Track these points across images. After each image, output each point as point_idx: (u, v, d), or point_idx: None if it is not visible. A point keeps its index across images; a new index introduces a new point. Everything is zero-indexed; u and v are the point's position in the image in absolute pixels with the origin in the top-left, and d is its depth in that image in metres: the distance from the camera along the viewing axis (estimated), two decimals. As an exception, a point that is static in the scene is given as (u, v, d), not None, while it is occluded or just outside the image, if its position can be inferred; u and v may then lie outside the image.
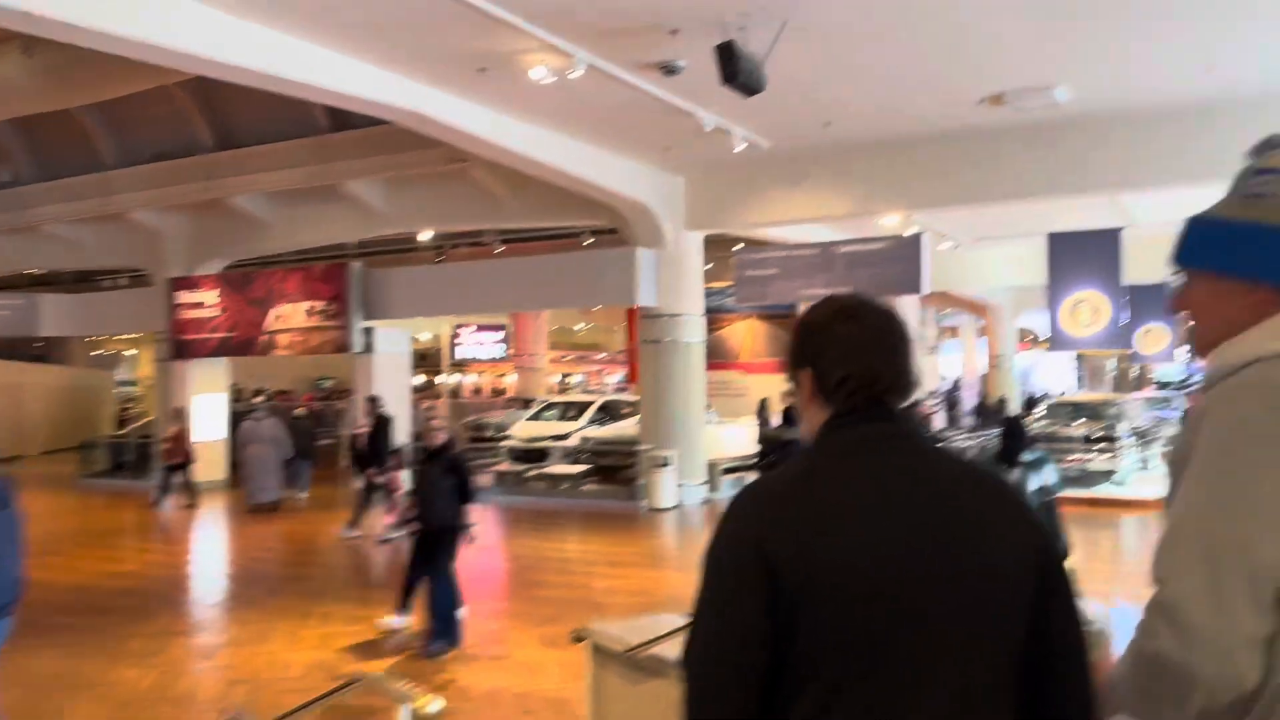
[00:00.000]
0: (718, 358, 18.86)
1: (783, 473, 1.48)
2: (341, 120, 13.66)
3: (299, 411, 18.02)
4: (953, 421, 24.29)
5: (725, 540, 1.42)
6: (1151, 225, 18.58)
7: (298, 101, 12.47)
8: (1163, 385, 39.34)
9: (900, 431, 1.47)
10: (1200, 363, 1.50)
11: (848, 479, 1.41)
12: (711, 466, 14.99)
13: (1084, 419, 16.78)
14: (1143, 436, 17.31)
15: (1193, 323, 1.54)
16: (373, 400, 13.45)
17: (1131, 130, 11.75)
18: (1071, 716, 1.40)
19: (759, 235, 16.16)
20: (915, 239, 13.39)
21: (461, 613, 7.36)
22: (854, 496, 1.38)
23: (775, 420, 16.71)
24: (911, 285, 13.24)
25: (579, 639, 3.93)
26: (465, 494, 7.28)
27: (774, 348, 19.63)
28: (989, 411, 24.91)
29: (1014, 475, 6.52)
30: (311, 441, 16.28)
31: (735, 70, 8.68)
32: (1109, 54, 9.78)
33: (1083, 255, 16.91)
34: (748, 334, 19.94)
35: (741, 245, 15.26)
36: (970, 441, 17.61)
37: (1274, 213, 1.45)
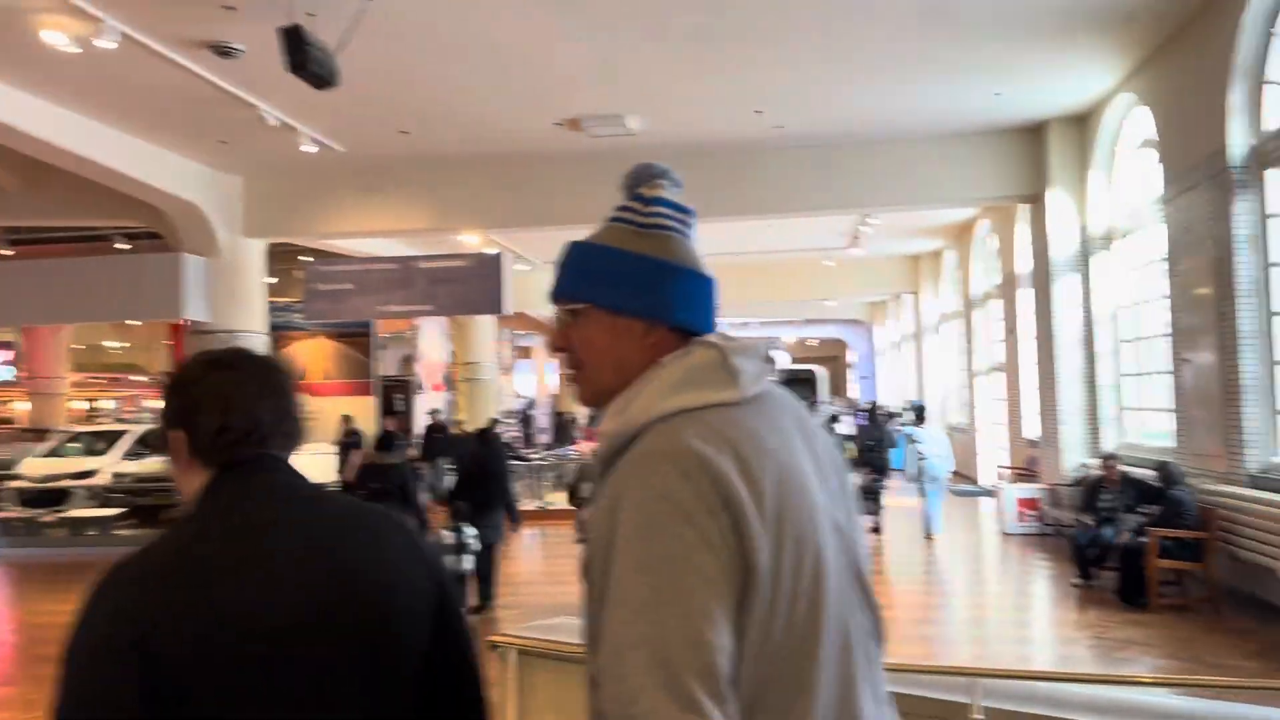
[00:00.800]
0: (283, 379, 17.35)
1: (160, 543, 1.37)
2: None
3: None
4: (528, 440, 24.58)
5: (89, 631, 1.27)
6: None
7: None
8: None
9: (286, 482, 1.41)
10: (592, 412, 1.38)
11: (234, 538, 1.34)
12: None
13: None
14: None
15: (578, 366, 1.39)
16: None
17: (698, 163, 12.46)
18: None
19: (331, 247, 15.07)
20: (496, 258, 13.18)
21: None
22: (241, 555, 1.32)
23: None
24: (493, 305, 12.99)
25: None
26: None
27: (348, 368, 18.50)
28: (565, 429, 25.99)
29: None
30: None
31: (303, 58, 7.76)
32: (671, 91, 10.22)
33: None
34: (318, 354, 18.57)
35: (311, 258, 14.05)
36: (545, 458, 17.82)
37: (675, 248, 1.37)
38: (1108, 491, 8.71)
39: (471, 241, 15.53)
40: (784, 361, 42.41)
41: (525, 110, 10.74)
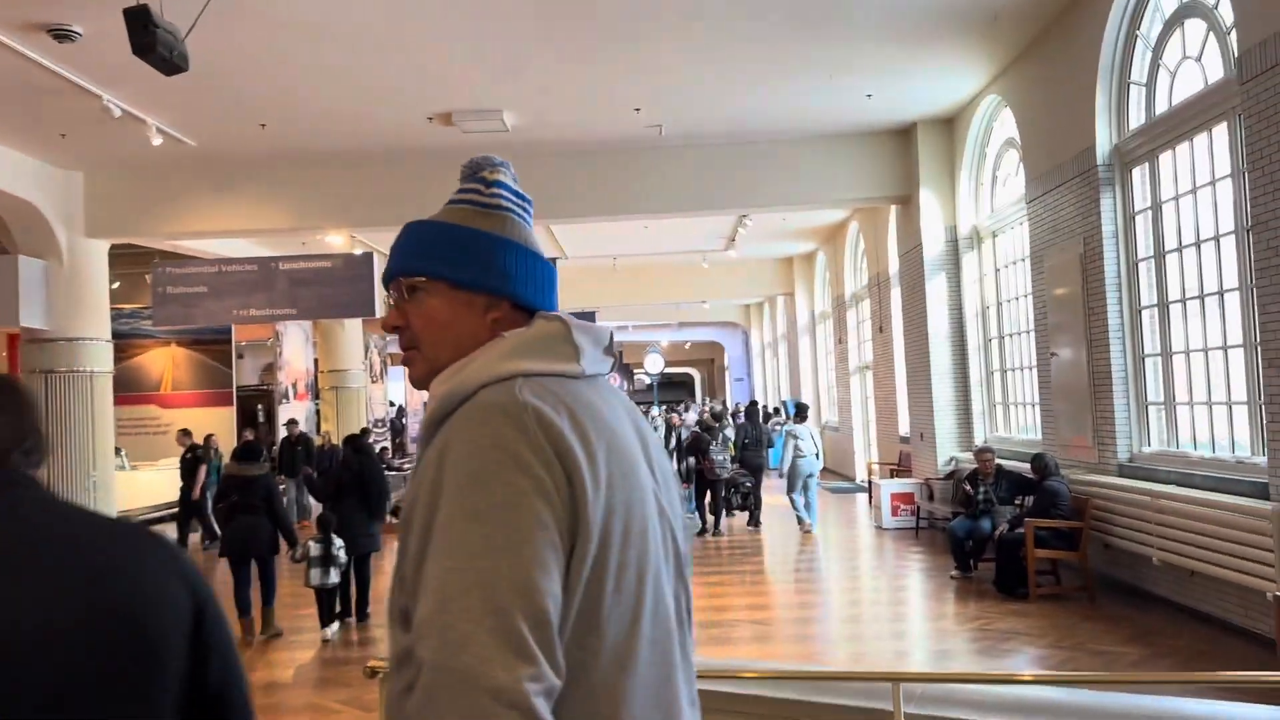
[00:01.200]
0: (129, 389, 16.24)
1: None
2: None
3: None
4: (399, 449, 23.86)
5: None
6: (578, 258, 20.09)
7: None
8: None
9: (32, 497, 1.32)
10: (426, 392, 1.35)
11: None
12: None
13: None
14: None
15: (414, 345, 1.38)
16: None
17: (576, 162, 12.21)
18: None
19: (182, 248, 14.16)
20: (367, 258, 12.60)
21: None
22: None
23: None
24: (363, 307, 12.42)
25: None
26: None
27: (205, 378, 17.47)
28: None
29: None
30: None
31: (150, 41, 7.14)
32: (550, 87, 9.95)
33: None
34: (168, 362, 17.48)
35: (159, 260, 13.15)
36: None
37: (517, 230, 1.40)
38: (982, 484, 8.87)
39: (335, 242, 14.87)
40: (659, 365, 42.67)
41: (395, 103, 10.28)
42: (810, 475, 12.31)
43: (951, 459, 11.70)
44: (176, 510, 13.26)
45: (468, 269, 1.35)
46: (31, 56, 8.47)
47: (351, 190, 12.21)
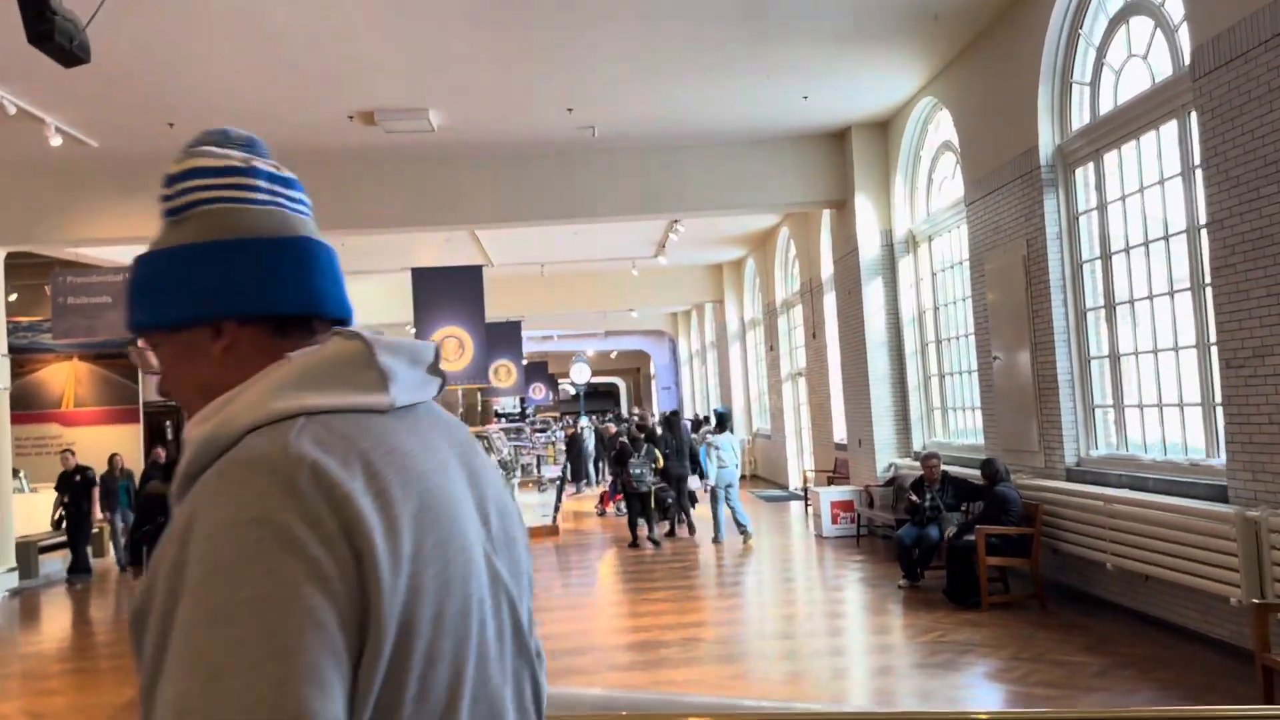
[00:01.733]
0: (28, 407, 15.27)
1: None
2: None
3: None
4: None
5: None
6: (504, 265, 19.64)
7: None
8: (502, 416, 42.95)
9: None
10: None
11: None
12: (25, 546, 11.87)
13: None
14: (505, 467, 17.92)
15: (184, 406, 1.09)
16: None
17: (507, 164, 11.81)
18: None
19: (83, 257, 13.34)
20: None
21: None
22: None
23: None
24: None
25: None
26: None
27: (106, 394, 16.52)
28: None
29: None
30: None
31: (48, 29, 6.57)
32: (478, 85, 9.57)
33: (448, 292, 17.21)
34: (69, 378, 16.51)
35: (59, 269, 12.34)
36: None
37: (209, 225, 1.06)
38: (928, 490, 8.72)
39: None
40: (585, 375, 42.29)
41: (311, 101, 9.77)
42: (730, 485, 12.21)
43: (891, 465, 11.58)
44: (65, 537, 12.60)
45: (164, 305, 1.05)
46: (-89, 46, 7.79)
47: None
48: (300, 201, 1.17)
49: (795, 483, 18.10)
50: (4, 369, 11.49)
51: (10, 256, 11.88)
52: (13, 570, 11.32)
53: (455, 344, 17.44)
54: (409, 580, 0.91)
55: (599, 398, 54.52)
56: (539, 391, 46.07)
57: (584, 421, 27.79)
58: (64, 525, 12.70)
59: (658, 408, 39.28)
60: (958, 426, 10.94)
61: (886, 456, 11.63)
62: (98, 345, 16.19)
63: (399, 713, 0.90)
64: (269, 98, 9.60)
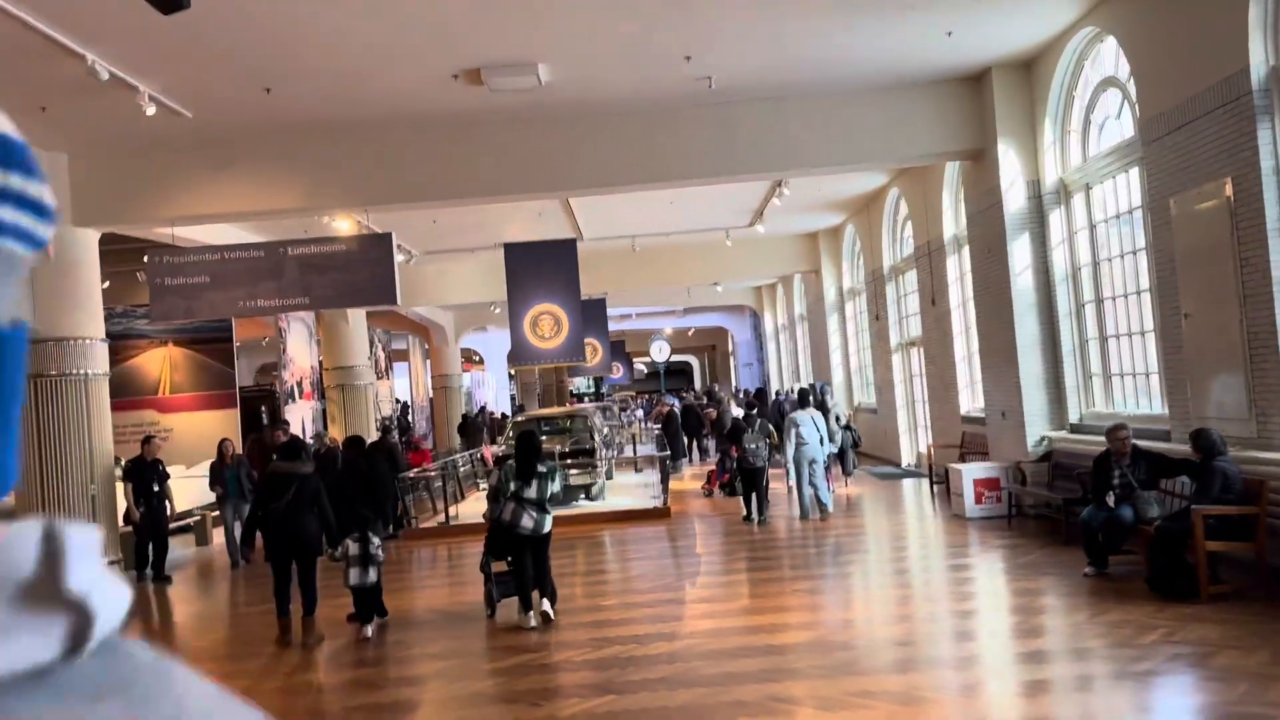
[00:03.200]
0: (124, 394, 15.01)
1: None
2: None
3: None
4: (409, 447, 22.66)
5: None
6: (593, 240, 18.92)
7: None
8: (576, 396, 42.41)
9: None
10: None
11: None
12: (127, 537, 11.53)
13: (552, 433, 16.09)
14: (607, 445, 17.29)
15: None
16: None
17: (611, 124, 11.04)
18: None
19: (173, 238, 12.90)
20: (385, 239, 11.40)
21: None
22: None
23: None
24: (383, 294, 11.24)
25: None
26: None
27: (202, 379, 16.23)
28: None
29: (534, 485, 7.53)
30: None
31: (145, -27, 6.02)
32: (591, 34, 8.80)
33: (541, 267, 16.56)
34: (165, 363, 16.25)
35: (154, 250, 11.91)
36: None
37: None
38: (1118, 466, 7.73)
39: (342, 228, 13.64)
40: (665, 353, 41.54)
41: (415, 59, 9.10)
42: (813, 462, 11.84)
43: (1044, 439, 10.60)
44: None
45: None
46: (7, 8, 7.27)
47: (366, 164, 11.03)
48: None
49: (908, 459, 17.13)
50: (103, 354, 11.11)
51: (99, 241, 11.47)
52: (115, 563, 10.98)
53: (550, 321, 16.83)
54: None
55: (672, 376, 53.69)
56: (617, 370, 45.57)
57: (671, 400, 27.01)
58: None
59: (737, 384, 38.39)
60: (1123, 394, 9.91)
61: (1038, 429, 10.64)
62: (194, 331, 15.90)
63: None
64: (368, 58, 8.96)
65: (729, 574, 9.31)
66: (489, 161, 11.09)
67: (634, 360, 51.56)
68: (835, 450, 13.63)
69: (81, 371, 10.67)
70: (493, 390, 40.26)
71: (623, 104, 10.78)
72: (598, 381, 45.44)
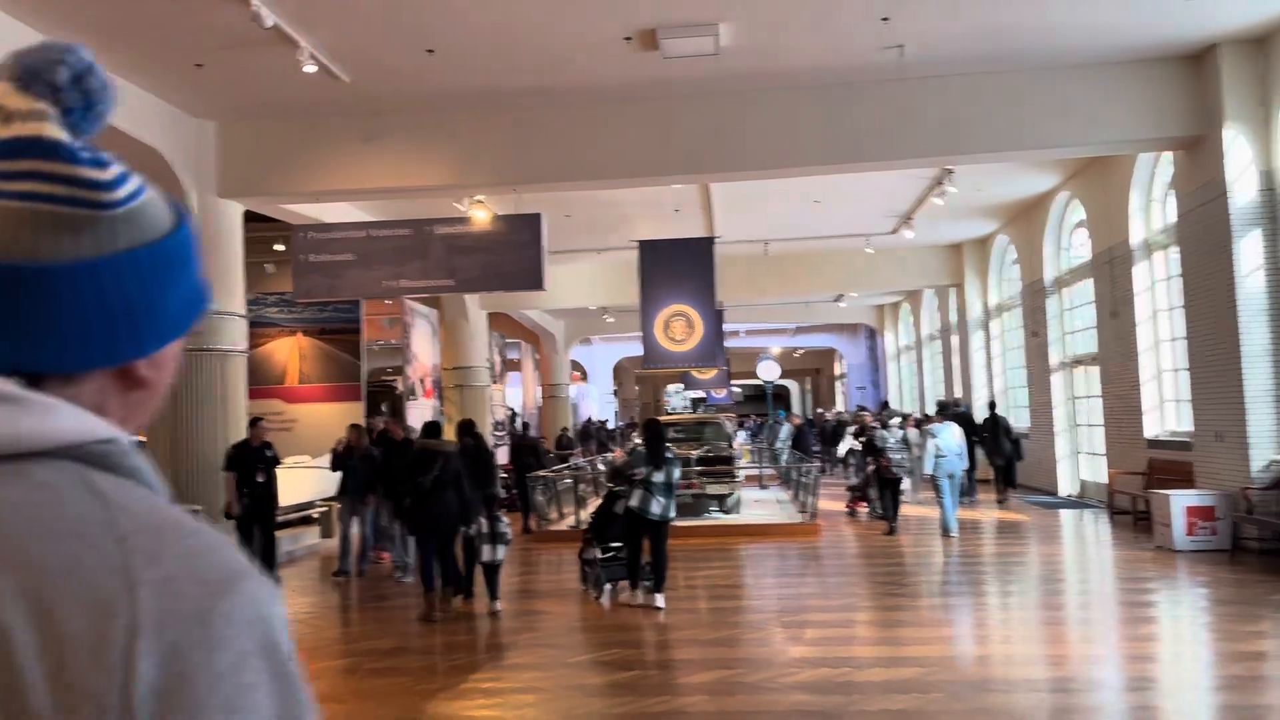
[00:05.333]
0: (252, 382, 14.68)
1: None
2: None
3: None
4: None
5: None
6: (724, 243, 18.04)
7: None
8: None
9: None
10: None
11: None
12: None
13: (685, 439, 15.25)
14: (733, 460, 16.35)
15: None
16: None
17: (782, 100, 10.18)
18: None
19: (299, 218, 12.36)
20: (534, 220, 10.72)
21: None
22: None
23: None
24: (530, 279, 10.55)
25: None
26: None
27: (330, 370, 15.86)
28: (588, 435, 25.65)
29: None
30: None
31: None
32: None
33: (677, 266, 15.82)
34: (292, 353, 15.93)
35: (299, 225, 11.44)
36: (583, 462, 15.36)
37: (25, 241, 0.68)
38: None
39: (479, 216, 13.02)
40: (774, 373, 40.40)
41: (587, 15, 8.38)
42: (952, 475, 11.80)
43: (1272, 463, 9.30)
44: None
45: None
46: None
47: (523, 139, 10.36)
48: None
49: (1067, 487, 15.75)
50: (243, 331, 10.67)
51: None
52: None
53: (683, 323, 16.06)
54: None
55: (767, 399, 52.17)
56: (720, 391, 44.48)
57: (782, 420, 25.94)
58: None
59: (844, 407, 36.95)
60: (1381, 414, 8.58)
61: (1265, 453, 9.34)
62: (324, 321, 15.56)
63: None
64: (540, 12, 8.28)
65: (918, 596, 8.26)
66: (654, 140, 10.31)
67: (733, 381, 50.45)
68: (967, 467, 13.20)
69: (221, 348, 10.21)
70: (595, 404, 39.76)
71: (802, 76, 9.90)
72: (694, 402, 44.32)
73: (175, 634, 0.60)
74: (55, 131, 0.72)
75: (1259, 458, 9.34)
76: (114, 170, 0.73)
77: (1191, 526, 9.63)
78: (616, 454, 17.81)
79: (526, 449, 13.05)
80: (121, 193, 0.73)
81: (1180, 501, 9.73)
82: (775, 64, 9.54)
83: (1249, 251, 9.43)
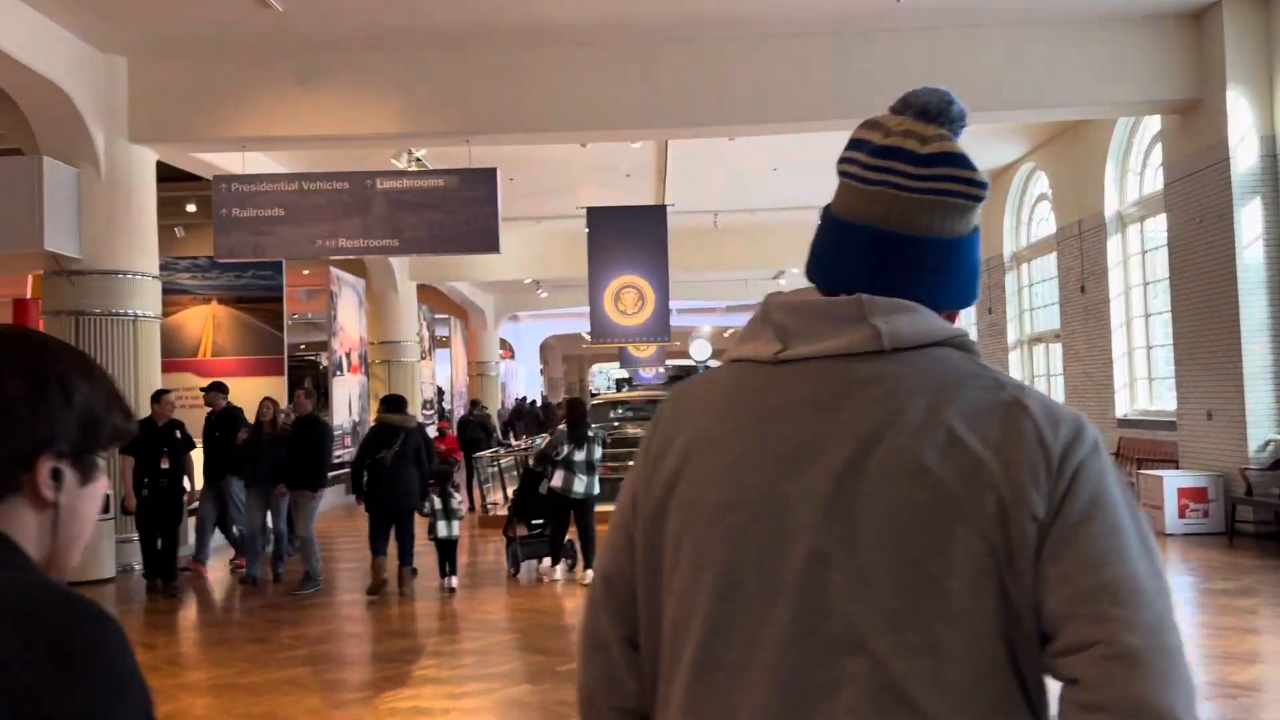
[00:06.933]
0: (164, 354, 13.39)
1: None
2: None
3: None
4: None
5: None
6: (677, 212, 17.25)
7: None
8: (597, 396, 40.43)
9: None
10: None
11: None
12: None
13: (634, 419, 14.62)
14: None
15: None
16: None
17: (753, 50, 9.37)
18: None
19: (223, 168, 11.14)
20: (489, 175, 9.72)
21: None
22: None
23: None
24: (484, 240, 9.59)
25: None
26: None
27: (248, 342, 14.58)
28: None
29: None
30: None
31: None
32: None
33: (626, 235, 15.04)
34: (208, 323, 14.62)
35: (219, 176, 10.23)
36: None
37: (850, 198, 1.13)
38: None
39: (426, 168, 11.96)
40: (705, 352, 39.77)
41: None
42: None
43: (1270, 442, 8.91)
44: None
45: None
46: None
47: (476, 84, 9.36)
48: None
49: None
50: (155, 293, 9.51)
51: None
52: (127, 570, 9.26)
53: (634, 295, 15.30)
54: (658, 503, 1.10)
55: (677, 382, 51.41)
56: (649, 370, 43.63)
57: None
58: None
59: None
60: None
61: (1263, 432, 8.94)
62: (242, 288, 14.30)
63: (651, 601, 1.12)
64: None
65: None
66: (623, 89, 9.42)
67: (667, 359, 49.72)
68: None
69: (131, 312, 9.03)
70: (523, 382, 38.81)
71: (794, 24, 9.09)
72: (619, 382, 43.20)
73: (1071, 420, 1.02)
74: (959, 148, 1.08)
75: (1257, 437, 8.94)
76: (982, 173, 1.09)
77: (1183, 509, 9.21)
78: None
79: (475, 424, 12.25)
80: (986, 191, 1.09)
81: (1173, 482, 9.31)
82: (764, 5, 8.71)
83: (1250, 220, 8.99)
